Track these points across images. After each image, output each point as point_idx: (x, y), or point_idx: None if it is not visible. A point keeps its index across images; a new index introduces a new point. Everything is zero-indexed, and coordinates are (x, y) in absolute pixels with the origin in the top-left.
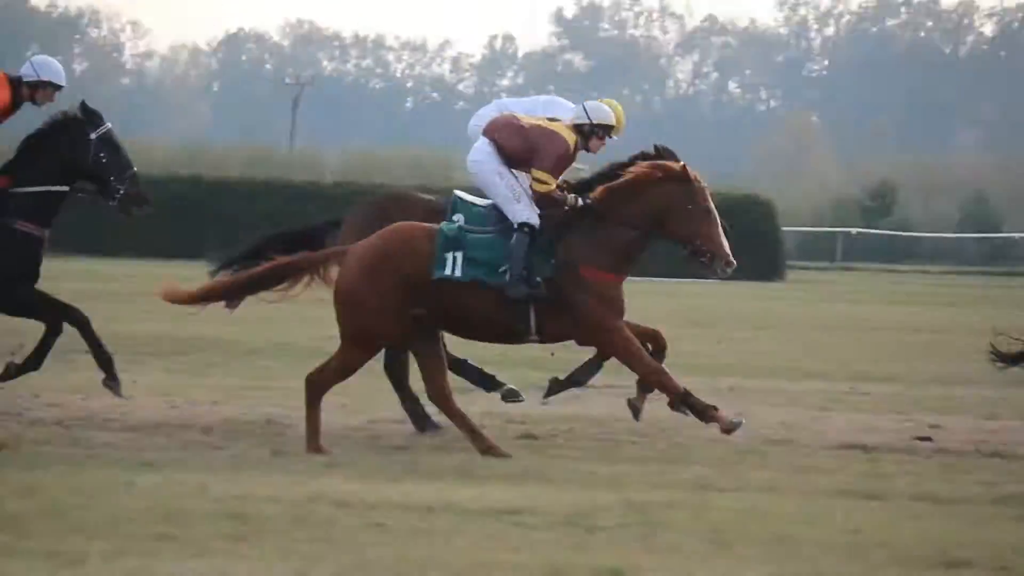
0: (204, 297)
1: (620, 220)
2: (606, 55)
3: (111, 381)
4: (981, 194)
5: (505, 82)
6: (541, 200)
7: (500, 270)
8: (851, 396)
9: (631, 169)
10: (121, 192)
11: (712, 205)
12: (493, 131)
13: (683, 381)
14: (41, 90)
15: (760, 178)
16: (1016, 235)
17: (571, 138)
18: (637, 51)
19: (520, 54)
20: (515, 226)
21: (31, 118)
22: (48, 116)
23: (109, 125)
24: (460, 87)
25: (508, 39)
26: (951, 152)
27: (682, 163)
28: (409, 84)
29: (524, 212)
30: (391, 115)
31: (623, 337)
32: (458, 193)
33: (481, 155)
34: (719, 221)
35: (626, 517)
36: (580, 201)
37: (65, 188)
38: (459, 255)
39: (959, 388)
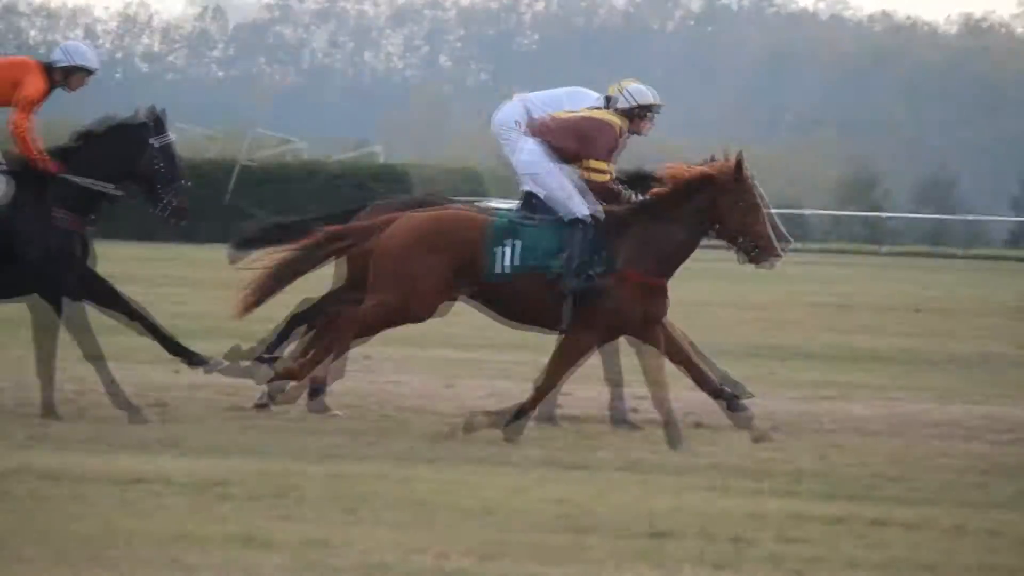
0: (268, 288)
1: (673, 220)
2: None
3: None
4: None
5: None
6: (598, 191)
7: (554, 260)
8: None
9: (684, 169)
10: (165, 202)
11: (760, 199)
12: (542, 131)
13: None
14: (74, 75)
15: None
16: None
17: (619, 124)
18: (348, 23)
19: (231, 26)
20: (574, 220)
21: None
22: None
23: (172, 136)
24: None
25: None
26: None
27: (737, 160)
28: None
29: (580, 207)
30: None
31: (587, 345)
32: (487, 203)
33: (532, 155)
34: (768, 215)
35: (330, 489)
36: (636, 196)
37: (111, 188)
38: (516, 244)
39: None
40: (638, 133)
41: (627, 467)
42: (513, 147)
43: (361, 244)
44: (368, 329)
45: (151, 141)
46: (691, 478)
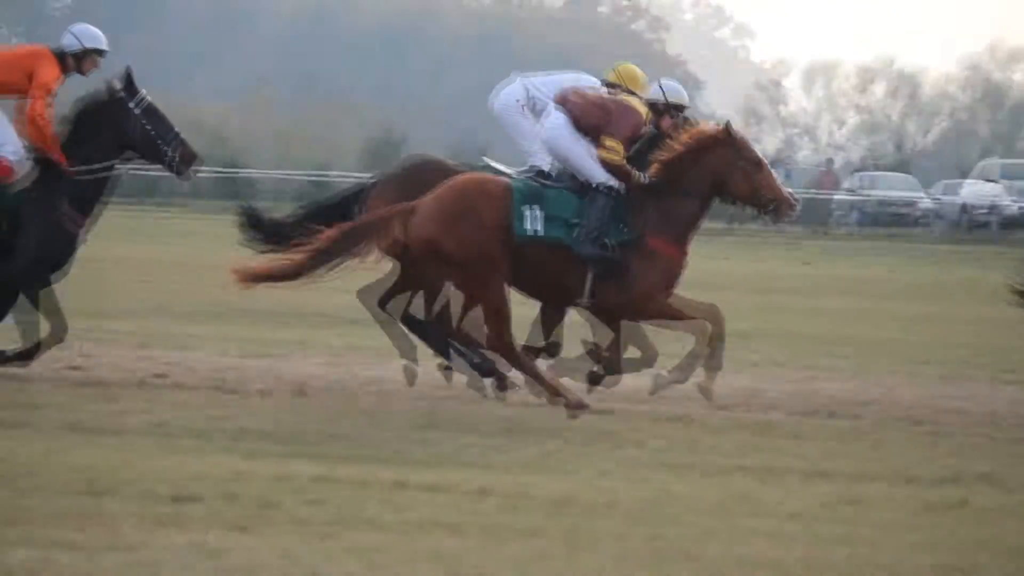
0: (279, 276)
1: (682, 191)
2: None
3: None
4: (220, 134)
5: None
6: (610, 170)
7: (573, 226)
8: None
9: (676, 141)
10: (171, 156)
11: (759, 155)
12: (568, 101)
13: None
14: (87, 59)
15: None
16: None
17: (645, 113)
18: None
19: None
20: (594, 186)
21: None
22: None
23: (145, 93)
24: None
25: None
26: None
27: (723, 124)
28: None
29: (603, 175)
30: None
31: (668, 310)
32: (488, 161)
33: (557, 125)
34: (770, 169)
35: None
36: (644, 178)
37: (115, 163)
38: (538, 211)
39: (194, 327)
40: (658, 128)
41: (151, 431)
42: (515, 128)
43: (383, 238)
44: (503, 328)
45: (131, 107)
46: (217, 441)
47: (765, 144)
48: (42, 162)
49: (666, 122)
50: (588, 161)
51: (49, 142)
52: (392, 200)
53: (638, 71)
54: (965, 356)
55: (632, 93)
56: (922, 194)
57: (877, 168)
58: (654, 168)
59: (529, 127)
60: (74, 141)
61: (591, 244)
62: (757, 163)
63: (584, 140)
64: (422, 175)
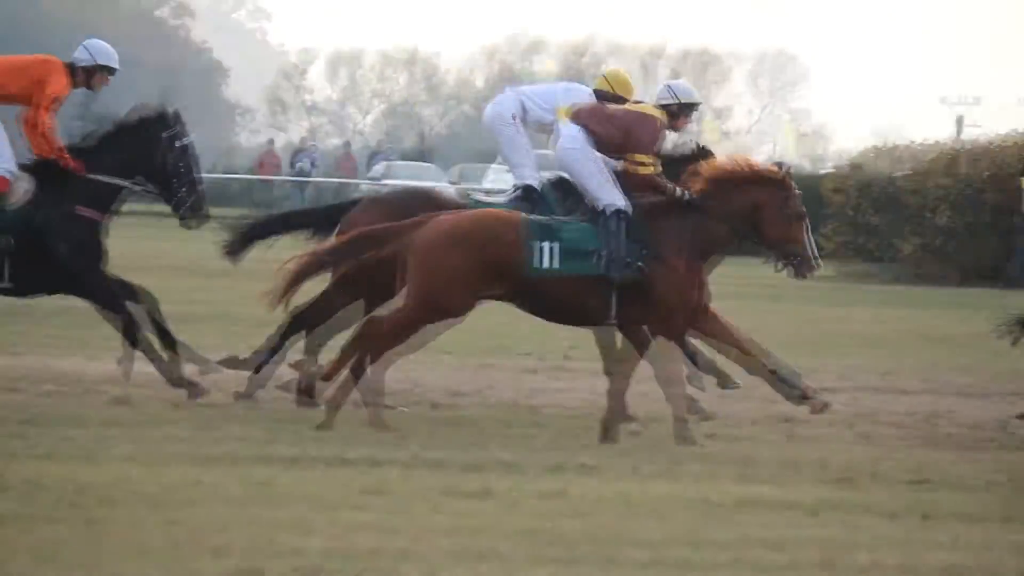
0: (293, 281)
1: (715, 214)
2: None
3: (127, 362)
4: None
5: None
6: (643, 184)
7: (596, 258)
8: None
9: (725, 163)
10: (179, 198)
11: (803, 210)
12: (583, 118)
13: None
14: (97, 75)
15: None
16: None
17: (660, 118)
18: None
19: None
20: (609, 211)
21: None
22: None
23: (190, 136)
24: None
25: None
26: None
27: (784, 170)
28: None
29: (618, 198)
30: None
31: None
32: (476, 196)
33: (573, 142)
34: (808, 225)
35: None
36: (680, 192)
37: (125, 183)
38: (554, 246)
39: None
40: (675, 130)
41: None
42: (509, 141)
43: (396, 246)
44: (405, 330)
45: (163, 135)
46: None
47: (291, 133)
48: (48, 172)
49: (682, 123)
50: (599, 181)
51: (56, 151)
52: (372, 221)
53: (628, 76)
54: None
55: (622, 99)
56: (445, 182)
57: (397, 155)
58: (699, 184)
59: (522, 141)
60: (100, 149)
61: (620, 268)
62: (799, 216)
63: (599, 158)
64: (409, 202)
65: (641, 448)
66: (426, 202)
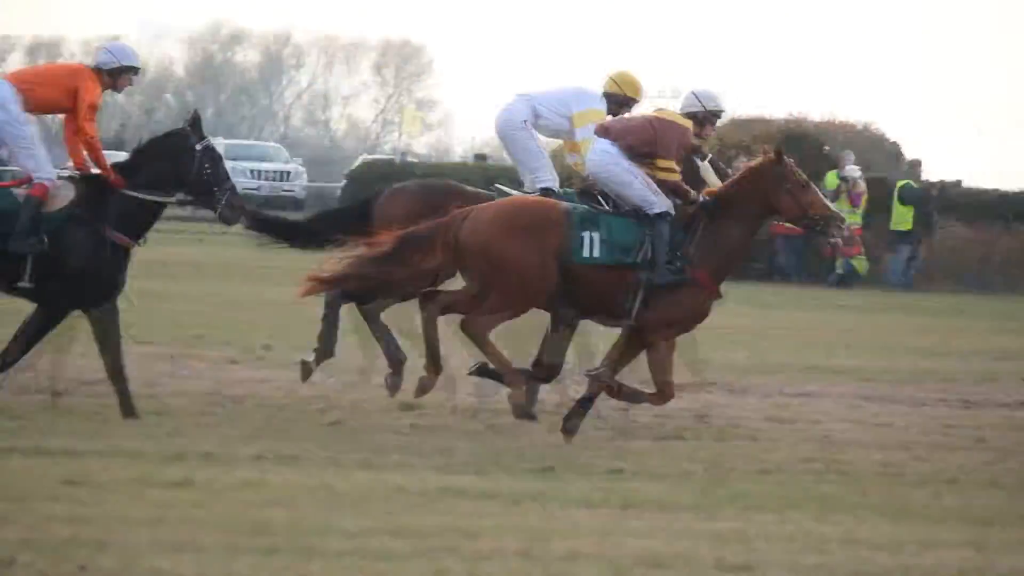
0: (339, 281)
1: (733, 218)
2: None
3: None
4: None
5: None
6: (667, 190)
7: (637, 254)
8: None
9: (735, 176)
10: (223, 203)
11: (805, 177)
12: (614, 131)
13: None
14: (123, 76)
15: None
16: None
17: (687, 126)
18: None
19: None
20: (655, 215)
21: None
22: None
23: (211, 139)
24: None
25: None
26: None
27: (776, 149)
28: None
29: (662, 202)
30: None
31: (670, 347)
32: (500, 187)
33: (605, 155)
34: (816, 188)
35: None
36: (703, 199)
37: (170, 199)
38: (595, 236)
39: None
40: (700, 137)
41: None
42: (521, 148)
43: (443, 245)
44: (491, 325)
45: (195, 147)
46: None
47: None
48: (88, 183)
49: (707, 130)
50: (639, 187)
51: (102, 160)
52: (400, 214)
53: (636, 77)
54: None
55: (632, 100)
56: None
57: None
58: (714, 192)
59: (535, 146)
60: (133, 166)
61: (666, 272)
62: (803, 185)
63: (634, 166)
64: (434, 194)
65: (342, 438)
66: (451, 194)
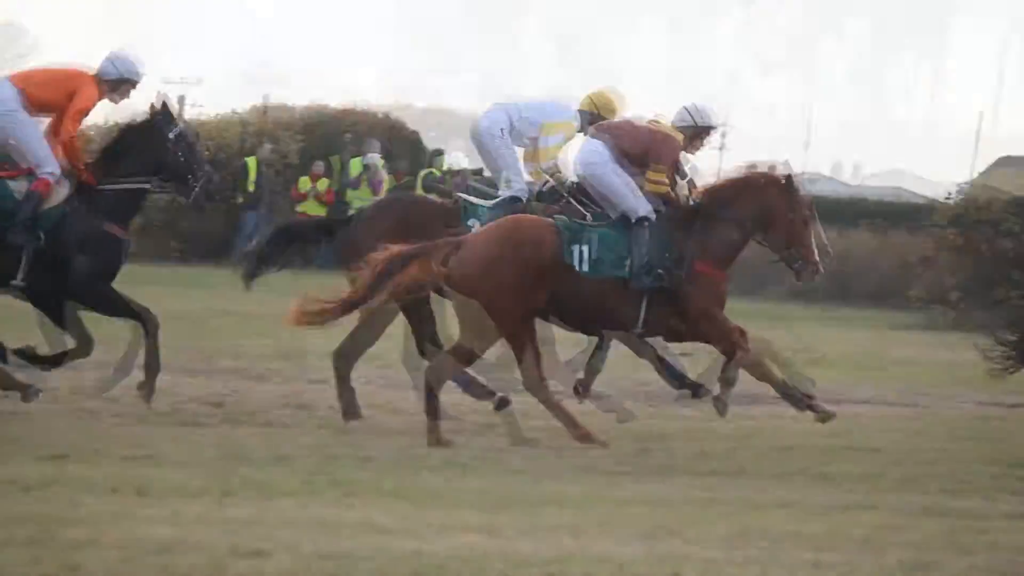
0: (341, 311)
1: (726, 220)
2: None
3: (147, 391)
4: None
5: None
6: (656, 199)
7: (624, 263)
8: None
9: (735, 173)
10: (198, 190)
11: (813, 215)
12: (607, 132)
13: None
14: (122, 87)
15: None
16: None
17: (680, 140)
18: None
19: None
20: (635, 220)
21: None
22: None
23: (183, 125)
24: None
25: None
26: None
27: (789, 173)
28: None
29: (643, 206)
30: None
31: (726, 325)
32: (464, 197)
33: (595, 156)
34: (817, 230)
35: None
36: (690, 201)
37: (146, 185)
38: (584, 250)
39: None
40: (688, 152)
41: None
42: (497, 155)
43: (426, 267)
44: (534, 363)
45: (166, 133)
46: None
47: None
48: (79, 182)
49: (697, 145)
50: (626, 192)
51: (80, 162)
52: (380, 233)
53: (614, 97)
54: None
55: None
56: None
57: None
58: (703, 193)
59: (510, 155)
60: (110, 157)
61: (646, 276)
62: (805, 221)
63: (624, 171)
64: (407, 211)
65: None
66: (423, 210)
